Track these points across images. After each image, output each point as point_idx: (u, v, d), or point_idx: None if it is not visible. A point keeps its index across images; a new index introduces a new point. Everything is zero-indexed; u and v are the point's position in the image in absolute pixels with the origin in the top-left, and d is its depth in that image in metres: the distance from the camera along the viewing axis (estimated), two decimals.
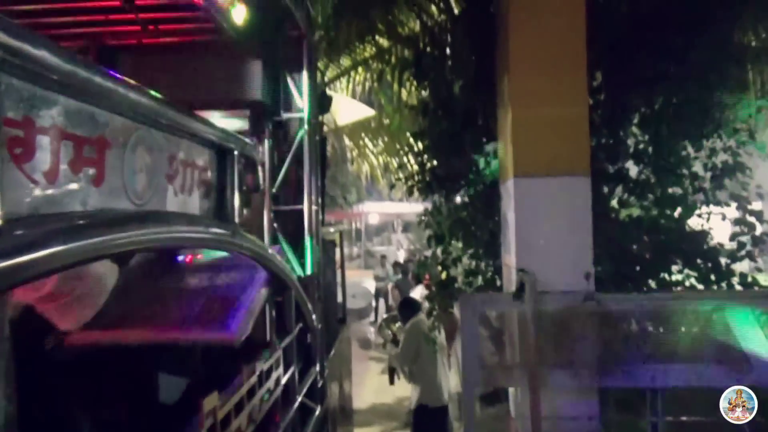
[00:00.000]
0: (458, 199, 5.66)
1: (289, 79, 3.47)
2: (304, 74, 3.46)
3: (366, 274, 22.42)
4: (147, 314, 2.31)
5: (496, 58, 4.56)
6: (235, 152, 2.05)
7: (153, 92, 1.40)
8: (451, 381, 6.48)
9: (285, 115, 3.55)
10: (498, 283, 5.01)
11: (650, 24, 4.64)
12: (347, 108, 8.39)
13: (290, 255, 3.58)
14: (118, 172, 1.43)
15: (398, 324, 6.77)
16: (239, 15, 3.03)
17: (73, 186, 1.27)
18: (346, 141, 8.97)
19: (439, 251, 5.68)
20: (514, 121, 4.03)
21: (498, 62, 4.51)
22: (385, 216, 32.12)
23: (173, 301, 2.40)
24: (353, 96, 8.43)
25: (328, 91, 5.75)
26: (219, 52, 3.38)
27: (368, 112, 9.07)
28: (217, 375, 2.27)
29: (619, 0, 4.84)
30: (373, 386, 9.45)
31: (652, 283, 4.70)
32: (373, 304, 15.06)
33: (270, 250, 2.50)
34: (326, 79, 7.29)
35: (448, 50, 5.59)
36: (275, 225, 3.58)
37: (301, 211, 3.60)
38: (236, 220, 2.19)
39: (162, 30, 3.44)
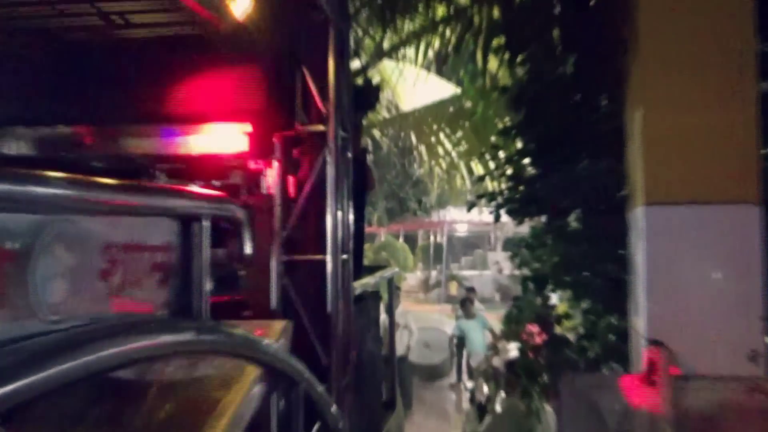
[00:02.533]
0: (566, 227, 5.55)
1: (309, 79, 3.51)
2: (330, 71, 3.48)
3: (447, 310, 22.32)
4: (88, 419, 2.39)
5: (624, 33, 4.44)
6: (203, 221, 2.09)
7: (62, 176, 1.45)
8: None
9: (301, 128, 3.59)
10: (624, 349, 4.87)
11: None
12: (416, 89, 8.41)
13: (308, 324, 3.62)
14: (20, 286, 1.49)
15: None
16: (241, 7, 3.12)
17: None
18: (413, 136, 9.02)
19: (538, 300, 5.62)
20: (646, 128, 3.96)
21: (629, 37, 4.39)
22: (479, 226, 31.89)
23: (130, 402, 2.48)
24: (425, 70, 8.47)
25: (375, 78, 5.80)
26: (211, 46, 3.48)
27: (445, 90, 9.08)
28: None
29: None
30: None
31: None
32: (455, 356, 14.91)
33: (266, 341, 2.53)
34: (383, 48, 7.36)
35: (555, 9, 5.48)
36: (288, 282, 3.63)
37: (323, 262, 3.64)
38: (206, 308, 2.23)
39: (134, 23, 3.59)
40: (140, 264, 1.94)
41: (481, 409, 6.80)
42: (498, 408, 6.69)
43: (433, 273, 28.97)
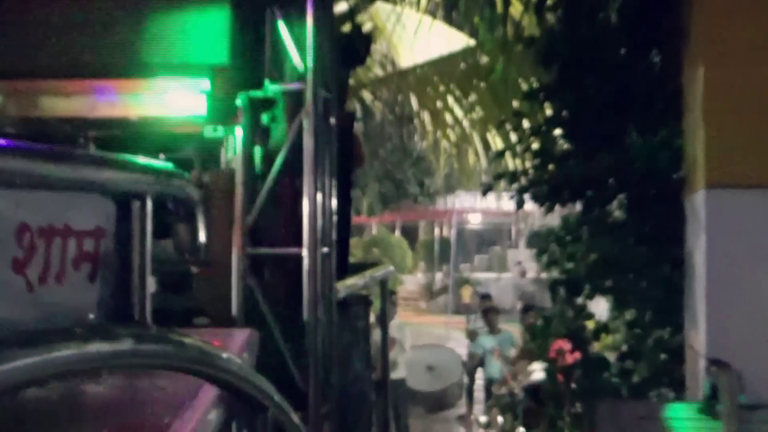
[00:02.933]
0: (607, 217, 5.57)
1: (282, 28, 3.49)
2: (309, 16, 3.46)
3: (456, 323, 22.33)
4: None
5: None
6: (145, 200, 2.09)
7: None
8: None
9: (273, 88, 3.58)
10: (677, 377, 4.90)
11: None
12: (418, 40, 8.41)
13: (279, 336, 3.62)
14: None
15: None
16: None
17: None
18: (414, 101, 9.00)
19: (570, 311, 5.65)
20: (709, 91, 3.97)
21: None
22: (496, 216, 31.86)
23: (51, 427, 2.48)
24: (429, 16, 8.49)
25: (367, 26, 5.79)
26: None
27: (455, 41, 9.07)
28: None
29: None
30: None
31: None
32: (465, 381, 15.00)
33: (225, 354, 2.53)
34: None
35: None
36: (254, 283, 3.63)
37: (299, 257, 3.64)
38: (148, 311, 2.23)
39: None
40: (64, 253, 1.93)
41: None
42: None
43: (438, 275, 29.00)
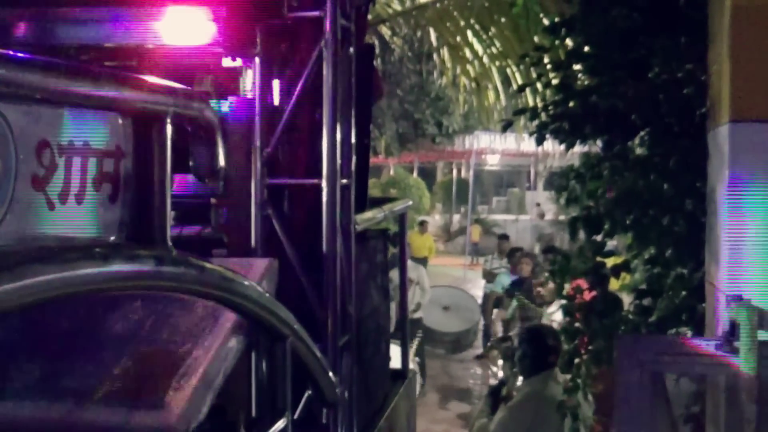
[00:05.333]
0: (629, 152, 5.52)
1: None
2: None
3: (473, 267, 22.36)
4: (16, 379, 2.43)
5: None
6: (167, 117, 2.08)
7: None
8: None
9: (291, 16, 3.54)
10: (697, 315, 4.90)
11: None
12: None
13: (297, 267, 3.63)
14: None
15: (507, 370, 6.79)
16: None
17: None
18: (432, 35, 8.91)
19: (589, 247, 5.61)
20: (734, 20, 3.88)
21: None
22: (515, 158, 31.68)
23: (69, 354, 2.51)
24: None
25: None
26: None
27: None
28: None
29: None
30: None
31: None
32: (482, 323, 15.06)
33: (246, 281, 2.55)
34: None
35: None
36: (272, 213, 3.63)
37: (318, 188, 3.64)
38: (168, 232, 2.24)
39: None
40: (84, 172, 1.94)
41: (497, 394, 6.76)
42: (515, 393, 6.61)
43: (456, 217, 29.01)
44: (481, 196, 31.36)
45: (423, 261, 17.76)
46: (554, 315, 8.95)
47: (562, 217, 24.62)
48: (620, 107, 5.29)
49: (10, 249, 1.65)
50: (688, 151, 4.89)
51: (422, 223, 21.02)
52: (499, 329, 13.49)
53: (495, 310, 14.01)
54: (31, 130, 1.74)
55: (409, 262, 14.20)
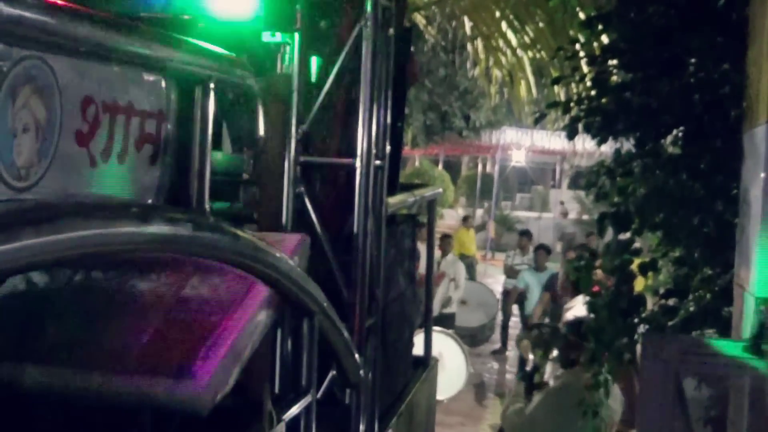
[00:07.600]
0: (662, 151, 5.48)
1: None
2: None
3: (494, 262, 22.32)
4: (44, 345, 2.44)
5: None
6: (211, 83, 2.07)
7: None
8: None
9: None
10: (722, 317, 4.86)
11: None
12: None
13: (327, 247, 3.63)
14: None
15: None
16: None
17: None
18: (467, 24, 8.87)
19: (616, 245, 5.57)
20: None
21: None
22: (541, 155, 31.61)
23: (98, 321, 2.51)
24: None
25: None
26: None
27: None
28: None
29: None
30: None
31: None
32: (500, 318, 15.08)
33: (278, 253, 2.53)
34: None
35: None
36: (304, 191, 3.63)
37: (351, 167, 3.63)
38: (206, 198, 2.23)
39: None
40: (127, 132, 1.94)
41: (530, 380, 6.81)
42: (551, 382, 6.71)
43: (479, 212, 28.88)
44: (505, 192, 31.23)
45: (471, 259, 17.74)
46: (569, 312, 8.92)
47: (585, 217, 24.56)
48: (654, 105, 5.25)
49: (52, 202, 1.65)
50: (720, 152, 4.86)
51: (466, 218, 20.85)
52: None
53: (533, 305, 14.01)
54: (77, 84, 1.73)
55: (449, 257, 14.25)
